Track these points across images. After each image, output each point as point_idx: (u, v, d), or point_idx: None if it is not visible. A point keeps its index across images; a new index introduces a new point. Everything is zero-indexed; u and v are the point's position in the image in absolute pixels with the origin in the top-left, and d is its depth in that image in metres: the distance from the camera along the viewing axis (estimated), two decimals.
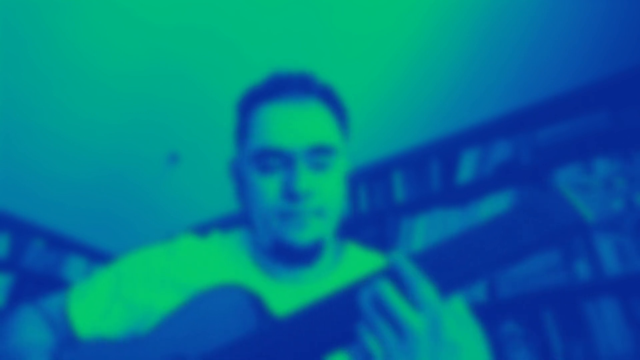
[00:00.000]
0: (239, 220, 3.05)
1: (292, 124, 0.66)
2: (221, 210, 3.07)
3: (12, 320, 0.68)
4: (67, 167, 2.68)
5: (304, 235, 0.65)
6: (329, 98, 0.71)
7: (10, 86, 2.13)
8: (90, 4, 1.78)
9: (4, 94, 2.17)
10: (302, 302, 0.57)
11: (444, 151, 2.38)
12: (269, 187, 0.65)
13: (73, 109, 2.27)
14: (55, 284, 3.24)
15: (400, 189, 2.42)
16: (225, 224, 3.10)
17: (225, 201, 2.96)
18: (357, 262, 0.75)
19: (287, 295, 0.67)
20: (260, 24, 1.87)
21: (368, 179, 2.54)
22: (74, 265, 3.37)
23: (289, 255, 0.67)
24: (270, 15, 1.83)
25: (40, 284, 3.16)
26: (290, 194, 0.63)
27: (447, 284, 0.47)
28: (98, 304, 0.69)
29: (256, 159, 0.66)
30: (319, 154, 0.66)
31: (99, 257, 3.56)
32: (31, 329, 0.67)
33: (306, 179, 0.64)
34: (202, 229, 3.20)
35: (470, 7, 1.78)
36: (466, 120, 2.30)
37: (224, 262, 0.73)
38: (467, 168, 2.23)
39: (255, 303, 0.59)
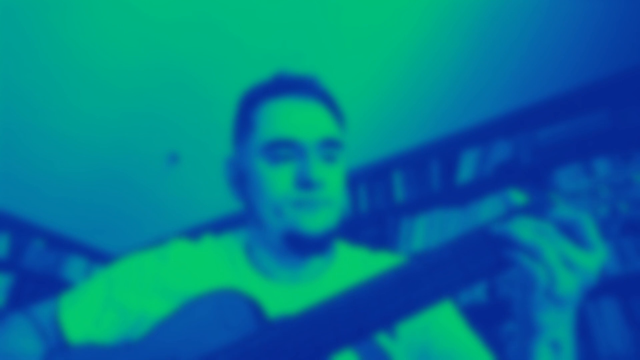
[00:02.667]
0: (239, 220, 3.05)
1: (302, 118, 0.68)
2: (221, 210, 3.07)
3: (1, 329, 0.67)
4: (67, 168, 2.68)
5: (317, 223, 0.65)
6: (329, 101, 0.73)
7: (10, 87, 2.13)
8: (90, 3, 1.78)
9: (4, 94, 2.17)
10: (298, 302, 0.59)
11: (444, 151, 2.38)
12: (280, 176, 0.66)
13: (73, 109, 2.27)
14: (55, 284, 3.24)
15: (400, 189, 2.42)
16: (225, 224, 3.10)
17: (225, 201, 2.96)
18: (349, 261, 0.75)
19: (283, 295, 0.68)
20: (259, 24, 1.87)
21: (368, 179, 2.54)
22: (74, 265, 3.37)
23: (301, 246, 0.67)
24: (270, 16, 1.83)
25: (40, 284, 3.16)
26: (305, 182, 0.64)
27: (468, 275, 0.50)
28: (90, 310, 0.68)
29: (266, 150, 0.67)
30: (329, 147, 0.68)
31: (99, 257, 3.56)
32: (18, 338, 0.65)
33: (319, 169, 0.65)
34: (202, 229, 3.20)
35: (469, 8, 1.78)
36: (466, 120, 2.30)
37: (218, 264, 0.73)
38: (467, 168, 2.23)
39: (254, 307, 0.58)
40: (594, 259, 0.47)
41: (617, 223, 0.49)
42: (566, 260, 0.47)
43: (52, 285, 3.22)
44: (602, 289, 1.71)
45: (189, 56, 2.00)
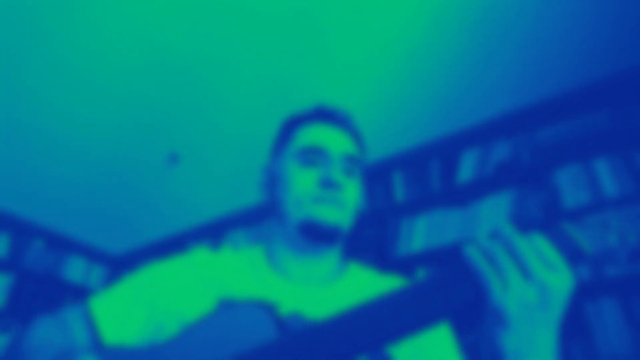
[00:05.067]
0: (238, 220, 3.06)
1: (332, 135, 0.83)
2: (221, 211, 3.07)
3: (28, 328, 0.71)
4: (67, 168, 2.68)
5: (330, 216, 0.76)
6: (356, 134, 0.88)
7: (9, 87, 2.13)
8: (90, 5, 1.78)
9: (4, 94, 2.18)
10: (312, 301, 0.72)
11: (444, 151, 2.38)
12: (307, 177, 0.78)
13: (72, 109, 2.27)
14: (55, 284, 3.24)
15: (400, 189, 2.42)
16: (225, 224, 3.10)
17: (225, 201, 2.97)
18: (358, 277, 0.84)
19: (299, 294, 0.75)
20: (259, 25, 1.87)
21: (368, 179, 2.54)
22: (74, 265, 3.38)
23: (314, 234, 0.76)
24: (269, 17, 1.83)
25: (40, 284, 3.16)
26: (327, 182, 0.76)
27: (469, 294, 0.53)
28: (120, 306, 0.72)
29: (300, 154, 0.80)
30: (350, 162, 0.81)
31: (99, 257, 3.56)
32: (46, 335, 0.69)
33: (340, 175, 0.79)
34: (203, 230, 3.20)
35: (470, 7, 1.78)
36: (466, 120, 2.30)
37: (241, 268, 0.79)
38: (467, 168, 2.23)
39: (276, 319, 0.61)
40: (556, 278, 0.50)
41: (625, 251, 0.52)
42: (524, 269, 0.50)
43: (52, 285, 3.22)
44: (602, 289, 1.71)
45: (189, 57, 2.00)
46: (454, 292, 0.52)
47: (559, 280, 0.50)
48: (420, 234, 2.23)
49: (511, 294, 0.50)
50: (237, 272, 0.78)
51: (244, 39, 1.93)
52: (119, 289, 0.76)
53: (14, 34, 1.89)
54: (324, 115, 0.86)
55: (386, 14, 1.82)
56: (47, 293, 3.18)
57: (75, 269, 3.38)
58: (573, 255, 0.52)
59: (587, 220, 0.54)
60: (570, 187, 1.89)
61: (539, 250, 0.51)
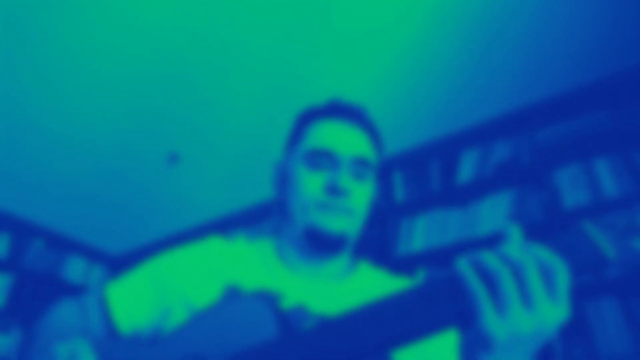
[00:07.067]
0: (239, 220, 3.05)
1: (343, 136, 0.79)
2: (221, 210, 3.07)
3: (53, 307, 0.76)
4: (67, 167, 2.68)
5: (335, 225, 0.75)
6: (371, 130, 0.85)
7: (10, 87, 2.13)
8: (90, 4, 1.78)
9: (4, 94, 2.17)
10: (318, 296, 0.71)
11: (444, 151, 2.38)
12: (314, 181, 0.76)
13: (73, 109, 2.27)
14: (55, 284, 3.24)
15: (400, 189, 2.42)
16: (225, 224, 3.10)
17: (225, 201, 2.97)
18: (368, 276, 0.83)
19: (305, 288, 0.75)
20: (259, 24, 1.87)
21: None
22: (74, 265, 3.38)
23: (318, 242, 0.76)
24: (270, 18, 1.83)
25: (40, 284, 3.16)
26: (333, 189, 0.74)
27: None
28: (133, 295, 0.75)
29: (308, 157, 0.78)
30: (360, 165, 0.78)
31: (99, 257, 3.56)
32: (65, 312, 0.74)
33: (347, 180, 0.76)
34: (203, 229, 3.20)
35: (470, 7, 1.78)
36: (466, 120, 2.30)
37: (252, 259, 0.80)
38: (467, 168, 2.23)
39: (280, 314, 0.61)
40: (554, 312, 0.46)
41: None
42: (527, 298, 0.46)
43: (52, 285, 3.22)
44: (602, 289, 1.71)
45: (189, 56, 2.00)
46: (441, 305, 0.48)
47: (557, 313, 0.46)
48: (420, 234, 2.23)
49: (505, 322, 0.46)
50: (246, 263, 0.78)
51: (244, 39, 1.93)
52: (134, 276, 0.78)
53: (17, 35, 1.88)
54: (337, 111, 0.83)
55: (385, 13, 1.82)
56: (47, 293, 3.18)
57: (75, 269, 3.38)
58: (595, 261, 0.47)
59: (610, 220, 0.49)
60: (570, 187, 1.89)
61: (549, 277, 0.46)
